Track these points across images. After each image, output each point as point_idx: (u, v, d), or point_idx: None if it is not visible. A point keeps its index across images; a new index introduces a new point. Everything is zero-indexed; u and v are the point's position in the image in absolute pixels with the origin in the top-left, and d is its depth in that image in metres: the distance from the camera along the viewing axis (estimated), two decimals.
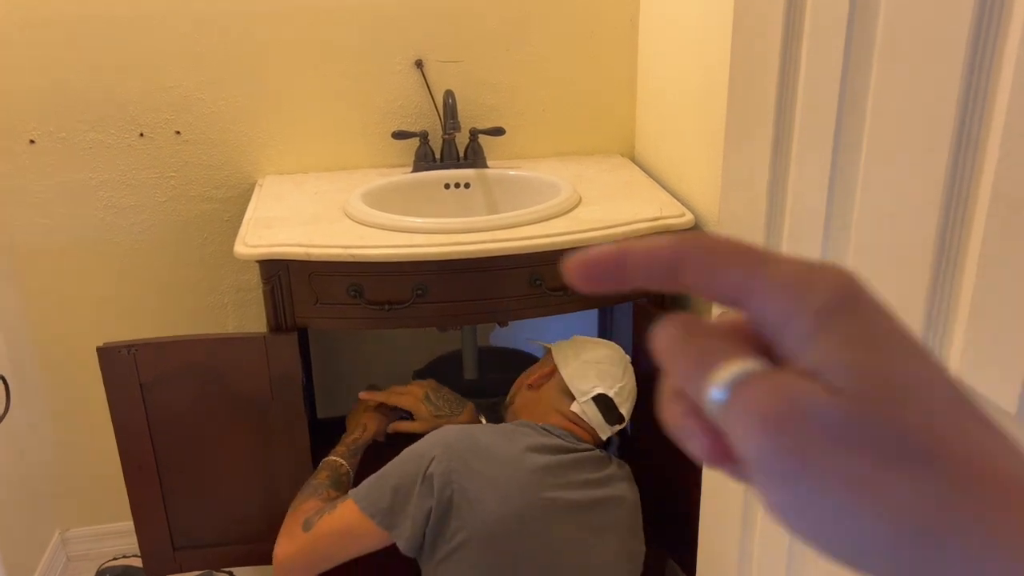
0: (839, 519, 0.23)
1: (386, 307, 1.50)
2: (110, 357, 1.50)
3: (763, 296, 0.26)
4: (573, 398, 1.50)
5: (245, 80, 1.80)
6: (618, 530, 1.43)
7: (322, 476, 1.53)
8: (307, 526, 1.41)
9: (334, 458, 1.57)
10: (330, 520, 1.40)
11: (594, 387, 1.49)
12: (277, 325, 1.52)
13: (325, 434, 1.77)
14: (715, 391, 0.25)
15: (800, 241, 0.86)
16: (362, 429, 1.63)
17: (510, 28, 1.86)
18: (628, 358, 1.58)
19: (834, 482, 0.23)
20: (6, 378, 1.64)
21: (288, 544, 1.42)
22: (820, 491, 0.23)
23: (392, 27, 1.81)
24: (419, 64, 1.84)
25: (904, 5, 0.68)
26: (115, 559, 2.00)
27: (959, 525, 0.22)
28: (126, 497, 1.60)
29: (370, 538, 1.37)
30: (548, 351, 1.62)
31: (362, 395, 1.67)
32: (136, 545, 1.65)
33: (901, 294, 0.70)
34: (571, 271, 0.29)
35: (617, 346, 1.60)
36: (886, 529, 0.23)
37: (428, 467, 1.35)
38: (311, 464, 1.60)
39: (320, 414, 2.02)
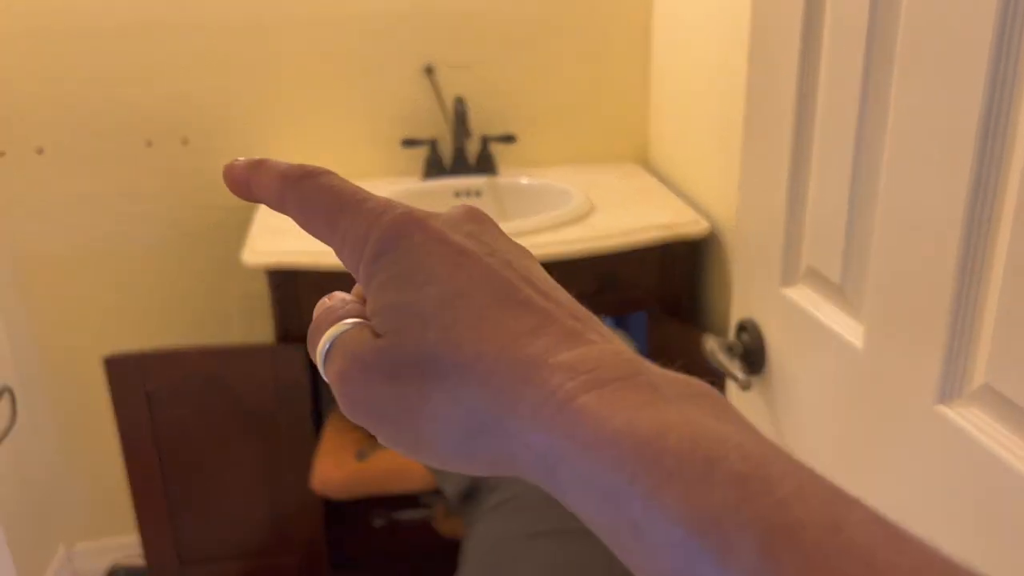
0: (417, 437, 0.26)
1: None
2: (117, 367, 1.48)
3: (339, 249, 0.29)
4: None
5: (253, 88, 1.79)
6: None
7: None
8: (360, 456, 1.51)
9: None
10: (384, 456, 1.51)
11: None
12: (285, 335, 1.50)
13: None
14: (319, 362, 0.28)
15: (820, 249, 0.84)
16: None
17: (521, 34, 1.84)
18: (626, 335, 1.68)
19: (400, 412, 0.26)
20: (12, 390, 1.63)
21: (335, 468, 1.51)
22: (396, 424, 0.26)
23: (402, 34, 1.80)
24: (429, 71, 1.83)
25: (925, 12, 0.66)
26: (127, 557, 1.99)
27: (489, 416, 0.24)
28: (132, 510, 1.58)
29: (417, 481, 1.50)
30: None
31: None
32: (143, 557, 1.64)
33: (926, 301, 0.68)
34: (224, 174, 0.32)
35: (619, 331, 1.69)
36: (450, 437, 0.25)
37: None
38: None
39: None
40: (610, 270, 1.51)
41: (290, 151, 1.85)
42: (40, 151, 1.76)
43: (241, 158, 0.32)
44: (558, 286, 0.28)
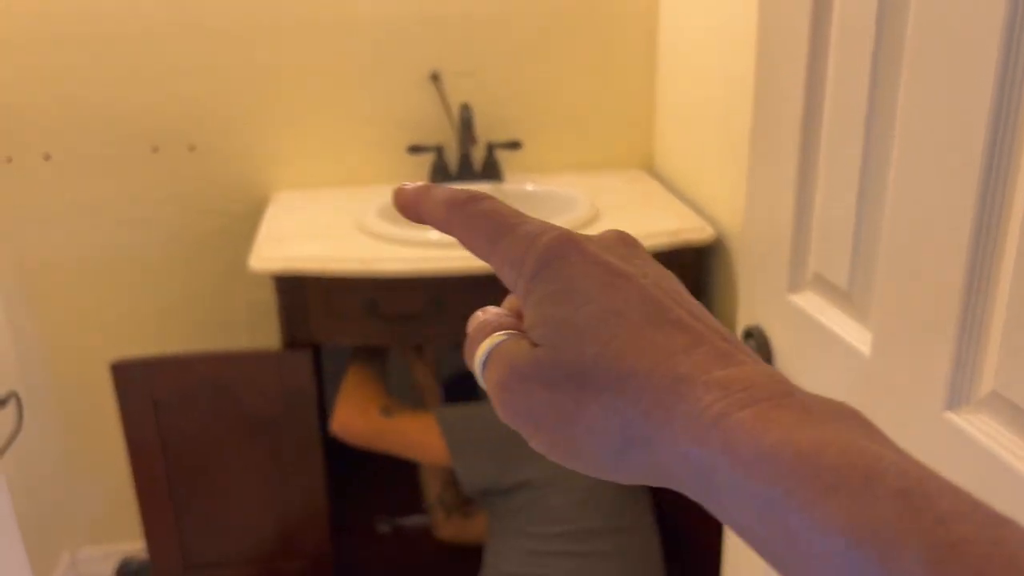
0: (574, 446, 0.27)
1: (402, 322, 1.48)
2: (123, 374, 1.48)
3: (499, 268, 0.31)
4: None
5: (260, 95, 1.79)
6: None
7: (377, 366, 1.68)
8: (386, 413, 1.56)
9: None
10: (409, 422, 1.56)
11: None
12: (291, 341, 1.50)
13: (338, 453, 1.74)
14: (477, 371, 0.30)
15: (828, 255, 0.84)
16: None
17: (527, 41, 1.85)
18: None
19: (557, 422, 0.27)
20: (19, 395, 1.63)
21: (358, 417, 1.56)
22: (553, 433, 0.28)
23: (408, 40, 1.81)
24: (435, 77, 1.83)
25: (933, 15, 0.66)
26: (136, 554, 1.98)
27: (643, 429, 0.26)
28: (137, 516, 1.58)
29: (434, 457, 1.55)
30: None
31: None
32: None
33: (934, 308, 0.68)
34: (395, 197, 0.34)
35: None
36: (605, 448, 0.27)
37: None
38: (324, 484, 1.58)
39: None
40: None
41: (296, 157, 1.85)
42: (47, 157, 1.77)
43: (409, 183, 0.35)
44: (706, 310, 0.29)
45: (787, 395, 0.25)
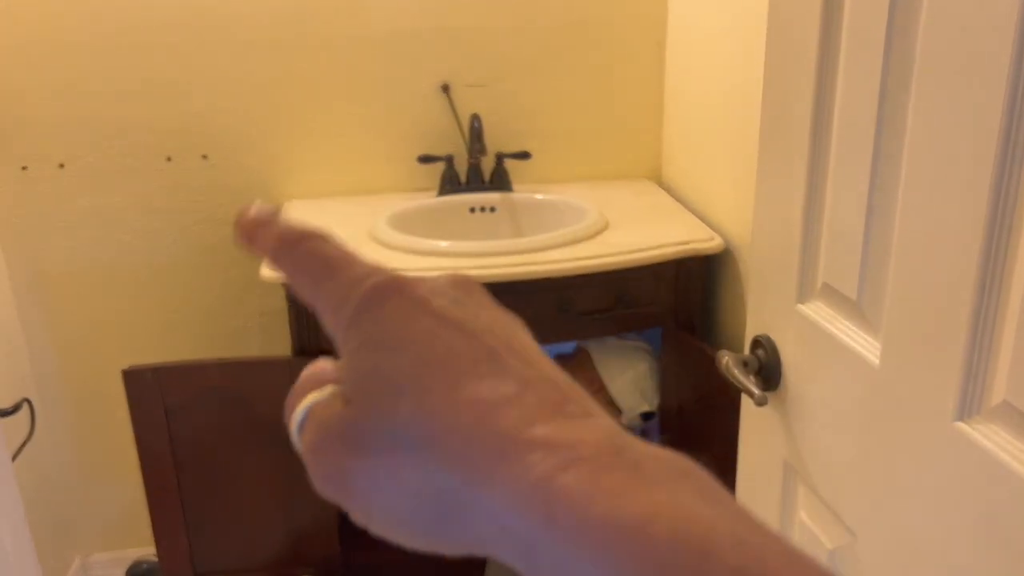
0: (391, 517, 0.24)
1: None
2: (135, 380, 1.49)
3: (323, 313, 0.27)
4: (620, 411, 1.72)
5: (272, 105, 1.81)
6: None
7: None
8: None
9: None
10: None
11: (640, 404, 1.72)
12: (302, 348, 1.51)
13: None
14: (294, 436, 0.27)
15: (837, 265, 0.84)
16: None
17: (537, 52, 1.86)
18: (652, 351, 1.78)
19: (369, 489, 0.24)
20: (31, 401, 1.65)
21: None
22: (366, 500, 0.24)
23: (419, 52, 1.82)
24: (445, 89, 1.84)
25: (944, 24, 0.66)
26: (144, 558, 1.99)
27: (462, 495, 0.23)
28: (148, 522, 1.59)
29: None
30: (583, 352, 1.78)
31: None
32: None
33: (944, 317, 0.68)
34: (236, 225, 0.30)
35: (646, 346, 1.78)
36: (422, 517, 0.24)
37: None
38: None
39: None
40: (624, 286, 1.52)
41: (308, 167, 1.86)
42: (61, 166, 1.78)
43: (254, 207, 0.30)
44: (545, 356, 0.27)
45: (616, 453, 0.22)
